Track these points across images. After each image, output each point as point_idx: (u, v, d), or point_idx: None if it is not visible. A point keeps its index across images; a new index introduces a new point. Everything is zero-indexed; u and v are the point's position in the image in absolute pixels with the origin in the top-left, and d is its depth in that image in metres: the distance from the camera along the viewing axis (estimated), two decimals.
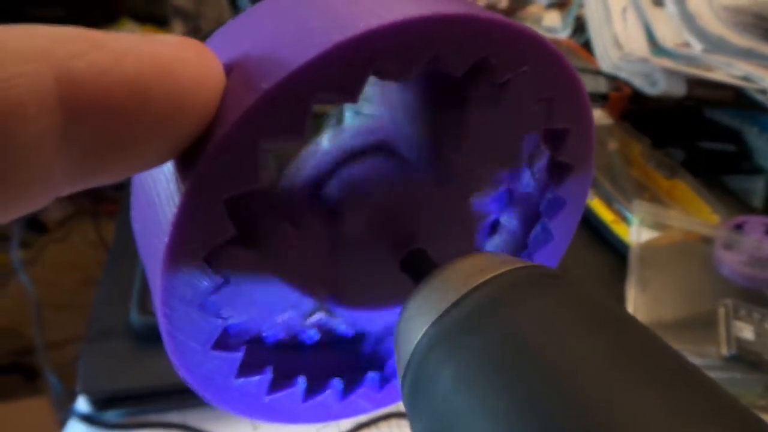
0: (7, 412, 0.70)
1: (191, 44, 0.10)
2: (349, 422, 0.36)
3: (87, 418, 0.34)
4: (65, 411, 0.35)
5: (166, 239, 0.11)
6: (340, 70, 0.10)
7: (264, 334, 0.16)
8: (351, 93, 0.10)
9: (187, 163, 0.10)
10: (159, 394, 0.34)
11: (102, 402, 0.34)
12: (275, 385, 0.14)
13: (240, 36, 0.12)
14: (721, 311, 0.40)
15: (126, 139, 0.09)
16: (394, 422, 0.36)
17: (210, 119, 0.10)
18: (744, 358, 0.37)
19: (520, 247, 0.18)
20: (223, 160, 0.10)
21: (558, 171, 0.15)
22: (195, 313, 0.12)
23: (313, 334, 0.16)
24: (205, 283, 0.12)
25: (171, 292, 0.11)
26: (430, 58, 0.11)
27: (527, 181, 0.17)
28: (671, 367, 0.10)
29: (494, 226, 0.18)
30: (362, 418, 0.36)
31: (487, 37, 0.12)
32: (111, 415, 0.34)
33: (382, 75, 0.11)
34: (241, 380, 0.13)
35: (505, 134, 0.14)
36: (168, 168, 0.11)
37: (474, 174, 0.15)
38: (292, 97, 0.10)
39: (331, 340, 0.17)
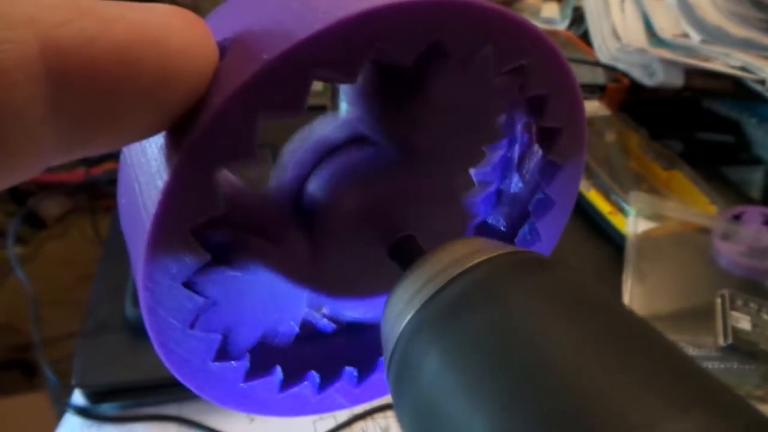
0: (5, 407, 0.70)
1: (180, 13, 0.09)
2: (345, 414, 0.36)
3: (83, 412, 0.34)
4: (62, 405, 0.35)
5: (154, 209, 0.10)
6: (342, 48, 0.10)
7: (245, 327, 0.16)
8: (350, 72, 0.10)
9: (181, 131, 0.10)
10: (155, 387, 0.34)
11: (98, 395, 0.34)
12: (252, 373, 0.14)
13: (242, 11, 0.12)
14: (718, 302, 0.40)
15: (114, 110, 0.09)
16: (390, 413, 0.36)
17: (202, 90, 0.10)
18: (741, 348, 0.37)
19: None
20: (219, 129, 0.10)
21: (548, 170, 0.15)
22: (178, 289, 0.12)
23: (293, 327, 0.16)
24: (191, 259, 0.11)
25: (155, 266, 0.11)
26: (430, 42, 0.11)
27: (516, 181, 0.17)
28: (656, 352, 0.09)
29: (481, 227, 0.18)
30: (358, 409, 0.36)
31: (487, 27, 0.11)
32: (107, 408, 0.34)
33: (382, 56, 0.11)
34: (218, 364, 0.13)
35: (475, 111, 0.14)
36: (159, 139, 0.11)
37: (450, 154, 0.14)
38: (293, 71, 0.10)
39: (310, 334, 0.17)
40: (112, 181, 0.60)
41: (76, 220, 0.97)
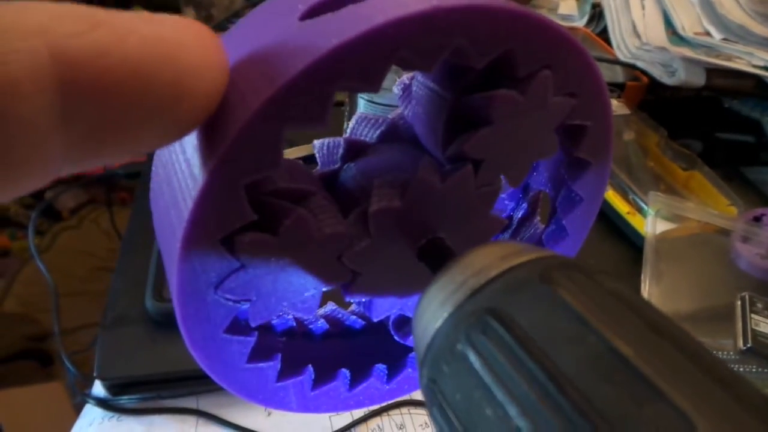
0: (22, 396, 0.71)
1: (192, 26, 0.09)
2: (361, 410, 0.36)
3: (103, 403, 0.34)
4: (79, 396, 0.35)
5: (184, 223, 0.11)
6: (363, 59, 0.10)
7: (274, 322, 0.16)
8: (372, 82, 0.10)
9: (208, 145, 0.10)
10: (174, 380, 0.34)
11: (117, 387, 0.34)
12: (283, 373, 0.14)
13: (260, 26, 0.12)
14: (738, 304, 0.40)
15: (125, 122, 0.09)
16: (405, 410, 0.36)
17: (213, 104, 0.10)
18: (760, 351, 0.37)
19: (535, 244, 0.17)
20: (246, 144, 0.10)
21: (575, 167, 0.15)
22: (211, 295, 0.12)
23: (322, 325, 0.16)
24: (222, 265, 0.12)
25: (188, 274, 0.11)
26: (452, 49, 0.11)
27: (543, 176, 0.17)
28: (700, 362, 0.09)
29: (508, 225, 0.18)
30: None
31: (511, 31, 0.11)
32: (126, 400, 0.34)
33: (404, 65, 0.11)
34: (251, 365, 0.13)
35: (531, 127, 0.14)
36: (189, 150, 0.11)
37: (494, 164, 0.14)
38: (316, 84, 0.10)
39: (339, 331, 0.17)
40: (129, 174, 0.60)
41: (92, 212, 0.98)
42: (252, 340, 0.13)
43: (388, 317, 0.17)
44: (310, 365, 0.15)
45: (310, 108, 0.10)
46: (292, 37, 0.11)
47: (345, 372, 0.15)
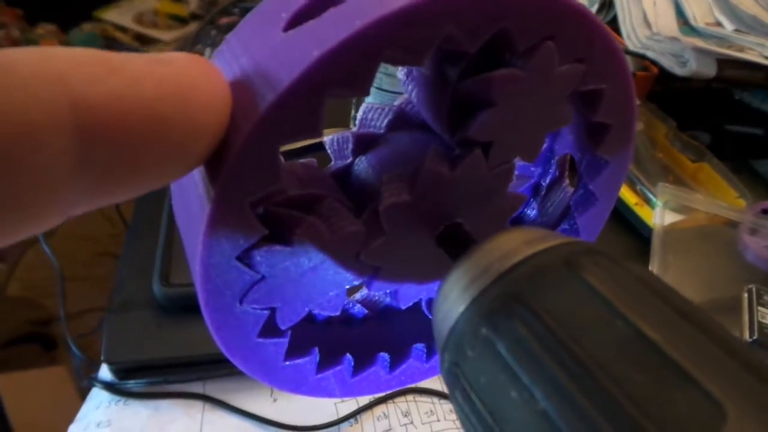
0: (26, 379, 0.72)
1: (199, 64, 0.10)
2: (367, 396, 0.36)
3: (110, 387, 0.34)
4: (86, 379, 0.35)
5: (199, 246, 0.11)
6: (349, 66, 0.10)
7: (314, 313, 0.16)
8: (361, 86, 0.10)
9: (210, 172, 0.10)
10: (180, 364, 0.34)
11: (124, 371, 0.34)
12: (291, 352, 0.14)
13: (247, 42, 0.12)
14: (745, 296, 0.40)
15: (141, 163, 0.09)
16: (410, 398, 0.36)
17: (221, 135, 0.10)
18: (767, 343, 0.37)
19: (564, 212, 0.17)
20: (243, 166, 0.10)
21: (594, 166, 0.15)
22: (237, 307, 0.12)
23: (360, 310, 0.16)
24: (243, 279, 0.12)
25: (212, 292, 0.12)
26: (441, 39, 0.11)
27: (567, 140, 0.16)
28: (726, 346, 0.09)
29: (537, 189, 0.18)
30: (379, 393, 0.36)
31: (502, 9, 0.11)
32: (133, 384, 0.34)
33: (394, 62, 0.11)
34: (261, 340, 0.14)
35: (538, 100, 0.14)
36: (197, 175, 0.11)
37: (505, 144, 0.14)
38: (304, 98, 0.10)
39: (376, 314, 0.17)
40: None
41: None
42: (285, 340, 0.14)
43: (420, 299, 0.16)
44: (348, 354, 0.15)
45: (302, 121, 0.10)
46: (277, 52, 0.11)
47: (384, 356, 0.15)
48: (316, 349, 0.14)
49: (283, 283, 0.13)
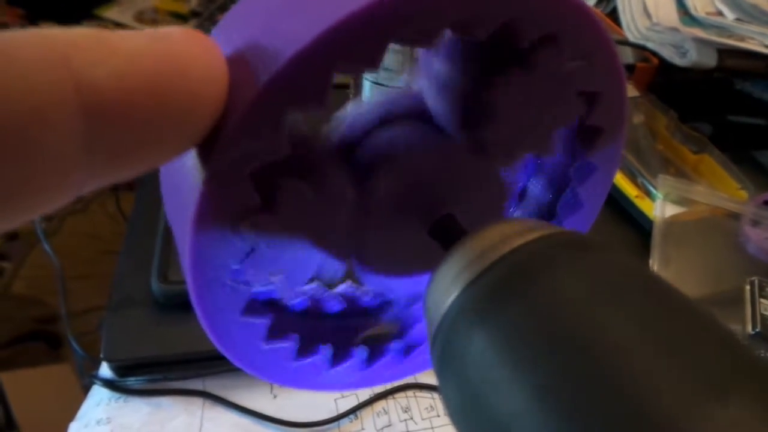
0: (31, 377, 0.72)
1: (196, 37, 0.10)
2: (367, 392, 0.36)
3: (110, 384, 0.34)
4: (86, 377, 0.36)
5: (193, 210, 0.11)
6: (360, 39, 0.10)
7: (289, 303, 0.16)
8: (371, 61, 0.10)
9: (210, 138, 0.10)
10: (179, 362, 0.34)
11: (124, 369, 0.34)
12: (300, 354, 0.14)
13: (255, 12, 0.12)
14: (747, 288, 0.39)
15: (145, 140, 0.09)
16: (410, 393, 0.36)
17: (220, 108, 0.10)
18: None
19: (548, 215, 0.17)
20: (247, 131, 0.10)
21: (588, 136, 0.15)
22: (225, 281, 0.12)
23: (337, 304, 0.16)
24: (233, 248, 0.12)
25: (201, 264, 0.11)
26: (451, 22, 0.11)
27: (558, 147, 0.17)
28: (710, 336, 0.09)
29: (522, 194, 0.18)
30: (379, 389, 0.36)
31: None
32: (133, 381, 0.35)
33: (404, 42, 0.11)
34: (269, 346, 0.14)
35: (542, 102, 0.13)
36: (189, 160, 0.11)
37: (510, 143, 0.14)
38: (314, 67, 0.10)
39: (354, 310, 0.17)
40: None
41: (97, 196, 0.98)
42: (267, 320, 0.13)
43: (384, 302, 0.16)
44: (326, 344, 0.15)
45: (310, 91, 0.10)
46: (287, 19, 0.11)
47: (362, 350, 0.15)
48: (297, 336, 0.14)
49: (277, 255, 0.13)
